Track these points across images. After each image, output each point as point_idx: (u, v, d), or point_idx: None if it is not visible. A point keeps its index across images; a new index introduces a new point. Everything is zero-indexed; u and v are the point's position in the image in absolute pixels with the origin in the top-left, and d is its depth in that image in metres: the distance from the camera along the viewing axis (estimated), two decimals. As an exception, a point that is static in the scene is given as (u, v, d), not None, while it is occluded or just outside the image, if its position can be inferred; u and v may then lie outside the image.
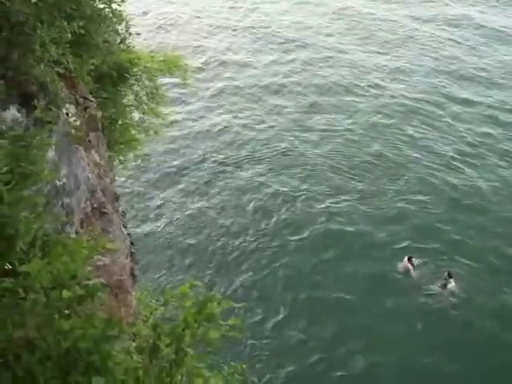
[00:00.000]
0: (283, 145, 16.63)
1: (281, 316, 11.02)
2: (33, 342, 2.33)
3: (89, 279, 3.49)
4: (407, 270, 11.89)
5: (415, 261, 11.98)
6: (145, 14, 24.96)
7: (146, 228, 12.76)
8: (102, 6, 5.46)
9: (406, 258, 12.02)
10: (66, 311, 2.56)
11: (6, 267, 3.12)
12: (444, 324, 10.74)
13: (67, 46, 4.11)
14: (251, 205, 14.10)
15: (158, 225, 13.02)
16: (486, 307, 11.01)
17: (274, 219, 13.46)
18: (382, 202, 14.23)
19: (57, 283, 3.13)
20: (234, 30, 24.75)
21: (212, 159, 15.91)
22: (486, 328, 10.51)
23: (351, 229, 13.24)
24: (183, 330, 3.76)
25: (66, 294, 3.00)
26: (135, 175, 13.68)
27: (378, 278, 11.95)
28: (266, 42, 23.72)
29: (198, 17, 26.22)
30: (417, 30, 24.23)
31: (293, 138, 17.04)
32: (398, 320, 10.87)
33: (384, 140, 16.94)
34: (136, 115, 7.89)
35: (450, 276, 11.34)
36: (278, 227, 13.25)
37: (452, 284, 11.27)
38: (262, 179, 15.06)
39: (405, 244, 12.83)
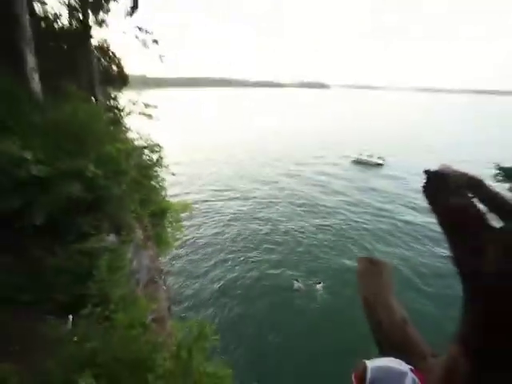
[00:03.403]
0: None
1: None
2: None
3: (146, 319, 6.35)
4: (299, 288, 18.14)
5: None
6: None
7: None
8: (152, 183, 9.62)
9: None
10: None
11: (106, 313, 5.89)
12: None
13: (138, 202, 7.84)
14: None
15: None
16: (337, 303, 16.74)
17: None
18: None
19: (131, 324, 6.10)
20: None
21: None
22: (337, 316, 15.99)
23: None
24: (192, 344, 6.23)
25: (134, 332, 6.08)
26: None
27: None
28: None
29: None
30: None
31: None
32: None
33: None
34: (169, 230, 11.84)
35: (319, 282, 18.33)
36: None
37: (320, 286, 18.07)
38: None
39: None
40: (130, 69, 14.97)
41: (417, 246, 23.36)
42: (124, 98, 14.11)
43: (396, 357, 0.91)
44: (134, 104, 13.96)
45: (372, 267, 1.19)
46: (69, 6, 11.56)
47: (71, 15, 11.65)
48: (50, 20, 10.67)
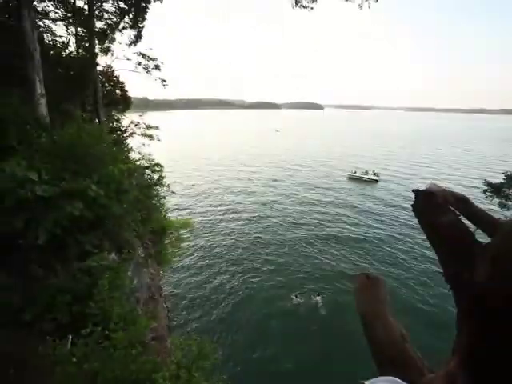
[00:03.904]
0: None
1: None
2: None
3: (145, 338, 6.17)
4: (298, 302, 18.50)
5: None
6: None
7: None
8: (153, 202, 9.67)
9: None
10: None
11: (106, 333, 5.76)
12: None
13: (139, 221, 7.82)
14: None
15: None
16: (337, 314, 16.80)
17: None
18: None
19: (131, 343, 5.95)
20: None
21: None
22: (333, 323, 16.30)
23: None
24: (192, 363, 6.08)
25: (134, 351, 5.94)
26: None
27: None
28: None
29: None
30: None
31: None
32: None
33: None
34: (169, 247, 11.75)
35: (318, 294, 18.54)
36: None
37: (319, 298, 18.30)
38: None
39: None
40: (132, 92, 15.33)
41: (412, 261, 23.34)
42: (127, 120, 14.37)
43: (394, 374, 0.91)
44: (135, 125, 14.23)
45: (369, 283, 1.20)
46: (76, 35, 12.00)
47: (78, 44, 12.06)
48: (58, 48, 11.03)
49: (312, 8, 8.19)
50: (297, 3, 8.12)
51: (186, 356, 6.07)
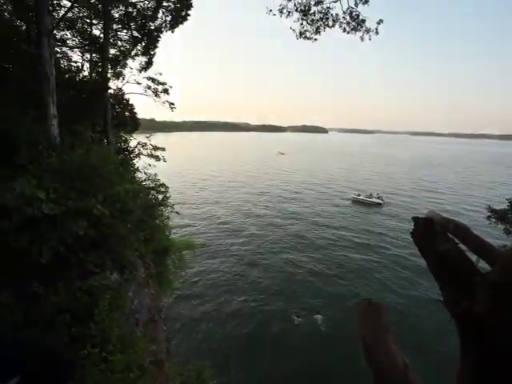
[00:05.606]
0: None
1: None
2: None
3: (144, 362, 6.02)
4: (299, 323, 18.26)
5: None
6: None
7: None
8: (157, 222, 9.73)
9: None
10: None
11: (104, 355, 5.62)
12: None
13: (142, 241, 7.81)
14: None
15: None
16: (338, 331, 16.83)
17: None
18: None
19: (129, 366, 5.84)
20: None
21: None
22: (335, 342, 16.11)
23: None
24: None
25: (132, 375, 5.84)
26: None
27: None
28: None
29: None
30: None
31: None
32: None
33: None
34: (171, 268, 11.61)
35: (318, 313, 18.57)
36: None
37: (319, 317, 18.33)
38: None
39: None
40: (140, 113, 15.82)
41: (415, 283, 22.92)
42: (135, 141, 14.74)
43: None
44: (142, 146, 14.56)
45: (370, 309, 1.20)
46: (91, 61, 12.62)
47: (92, 69, 12.65)
48: (73, 72, 11.58)
49: (316, 39, 8.60)
50: (301, 35, 8.54)
51: (184, 382, 5.87)
